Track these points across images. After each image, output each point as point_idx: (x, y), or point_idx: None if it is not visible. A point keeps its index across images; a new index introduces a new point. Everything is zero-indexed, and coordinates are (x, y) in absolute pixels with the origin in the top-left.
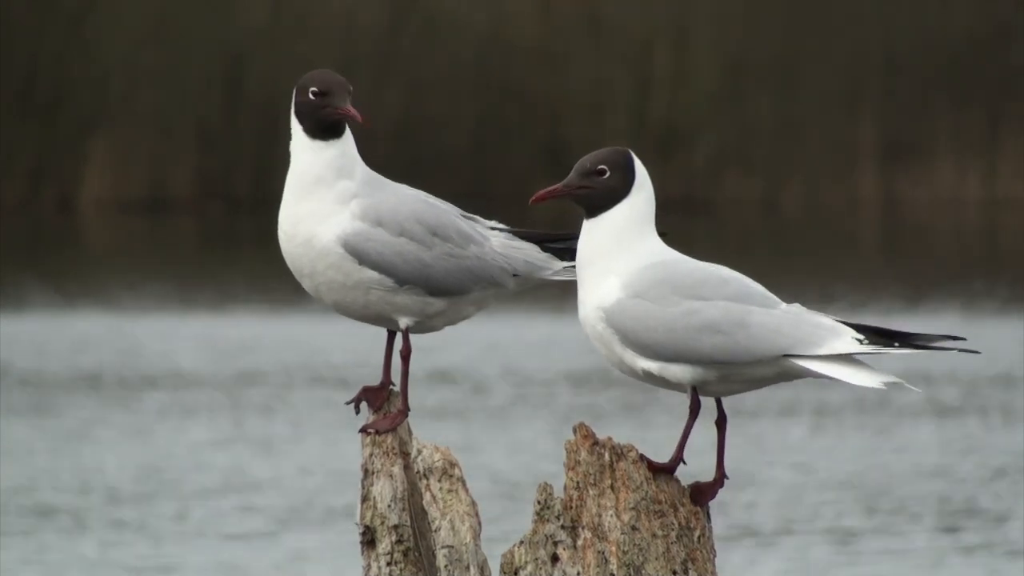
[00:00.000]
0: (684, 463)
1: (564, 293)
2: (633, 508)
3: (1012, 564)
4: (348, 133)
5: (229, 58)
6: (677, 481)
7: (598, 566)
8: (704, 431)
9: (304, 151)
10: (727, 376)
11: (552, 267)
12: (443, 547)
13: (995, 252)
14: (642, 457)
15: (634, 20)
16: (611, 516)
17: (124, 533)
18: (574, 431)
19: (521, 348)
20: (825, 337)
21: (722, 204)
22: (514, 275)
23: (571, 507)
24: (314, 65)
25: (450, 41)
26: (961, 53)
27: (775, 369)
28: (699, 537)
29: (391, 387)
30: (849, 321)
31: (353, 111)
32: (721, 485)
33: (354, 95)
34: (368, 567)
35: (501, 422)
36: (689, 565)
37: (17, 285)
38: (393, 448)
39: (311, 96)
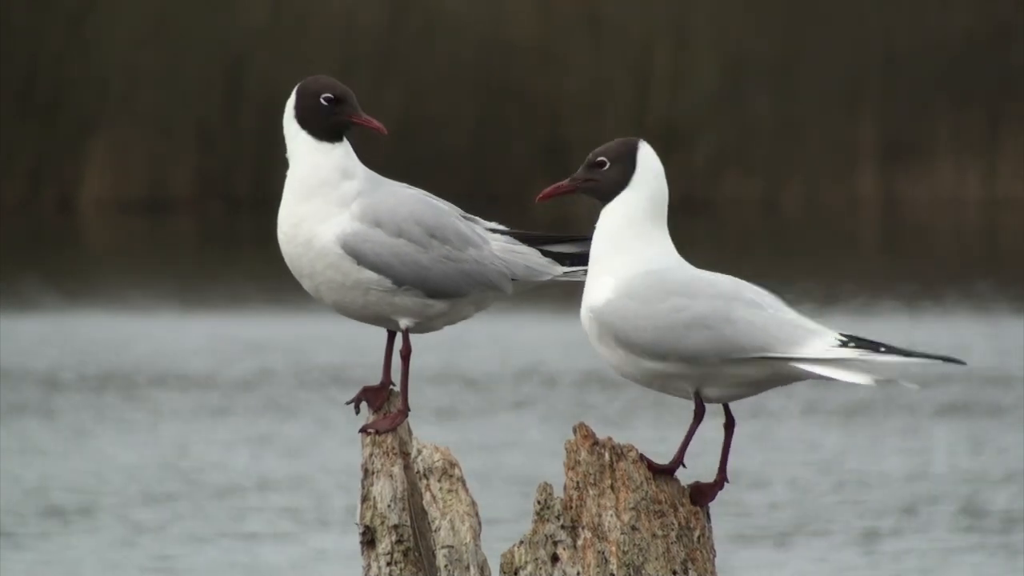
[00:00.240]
0: (684, 466)
1: (567, 295)
2: (633, 508)
3: None
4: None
5: (229, 58)
6: (677, 481)
7: (598, 566)
8: (712, 432)
9: (309, 153)
10: (722, 377)
11: (552, 272)
12: (443, 547)
13: (995, 252)
14: (642, 457)
15: (634, 20)
16: (611, 516)
17: (140, 534)
18: (574, 431)
19: (522, 348)
20: (808, 337)
21: (722, 204)
22: (513, 279)
23: (571, 507)
24: (314, 65)
25: (450, 41)
26: (961, 53)
27: (767, 370)
28: (699, 537)
29: (391, 387)
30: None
31: (376, 122)
32: (721, 487)
33: (356, 96)
34: (368, 567)
35: (501, 422)
36: (689, 565)
37: (18, 285)
38: (393, 448)
39: (323, 102)
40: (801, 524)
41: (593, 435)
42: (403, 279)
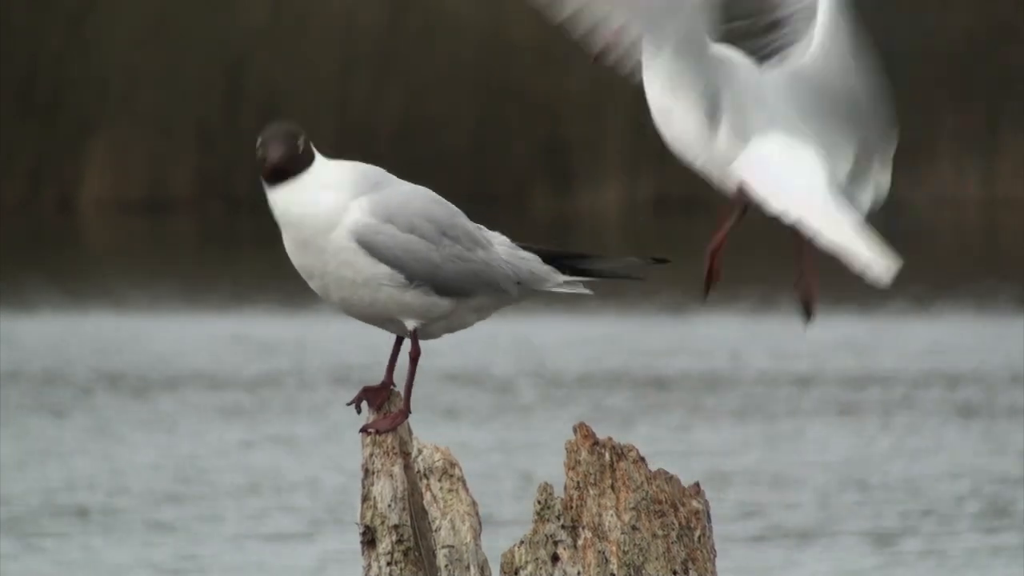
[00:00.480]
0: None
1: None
2: (633, 508)
3: None
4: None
5: (229, 58)
6: (677, 480)
7: (598, 566)
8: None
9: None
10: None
11: (554, 279)
12: (443, 547)
13: (995, 252)
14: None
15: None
16: (611, 516)
17: (156, 534)
18: (574, 431)
19: (522, 348)
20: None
21: (722, 204)
22: (518, 283)
23: (571, 507)
24: (314, 65)
25: (450, 41)
26: (961, 53)
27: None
28: (699, 537)
29: (392, 387)
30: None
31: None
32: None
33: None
34: (368, 567)
35: (502, 422)
36: (689, 565)
37: (21, 286)
38: (393, 448)
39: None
40: (819, 525)
41: (593, 435)
42: (415, 274)
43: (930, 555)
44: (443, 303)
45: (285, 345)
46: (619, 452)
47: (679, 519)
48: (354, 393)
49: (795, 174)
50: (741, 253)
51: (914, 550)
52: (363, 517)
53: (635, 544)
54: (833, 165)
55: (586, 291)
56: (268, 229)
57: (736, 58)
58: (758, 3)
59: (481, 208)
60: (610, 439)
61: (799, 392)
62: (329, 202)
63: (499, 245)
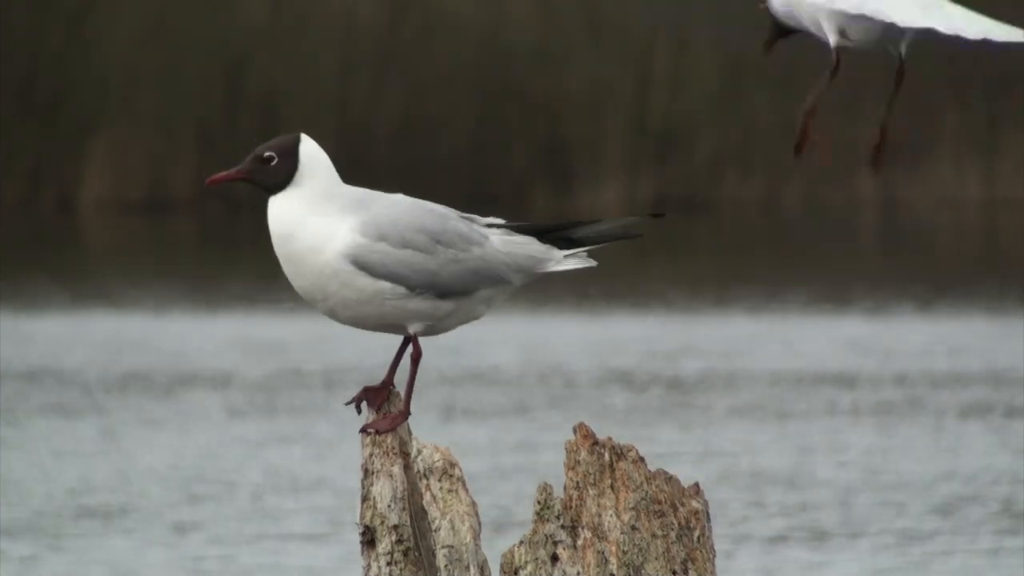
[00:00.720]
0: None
1: (569, 294)
2: (633, 508)
3: None
4: (304, 179)
5: (229, 58)
6: (677, 480)
7: (598, 566)
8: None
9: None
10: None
11: (553, 257)
12: (443, 547)
13: (995, 252)
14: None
15: (634, 20)
16: (611, 516)
17: (175, 535)
18: (574, 431)
19: (523, 348)
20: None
21: (722, 204)
22: (518, 271)
23: (571, 507)
24: (314, 65)
25: (450, 41)
26: (961, 53)
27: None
28: (699, 537)
29: (392, 388)
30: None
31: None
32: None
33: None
34: (368, 567)
35: (501, 422)
36: (689, 565)
37: (23, 286)
38: (393, 448)
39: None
40: (837, 525)
41: (593, 435)
42: (415, 284)
43: (950, 555)
44: (447, 304)
45: (293, 345)
46: (619, 452)
47: (679, 519)
48: (355, 392)
49: None
50: (742, 254)
51: (936, 550)
52: (363, 517)
53: (635, 544)
54: None
55: (589, 263)
56: (266, 231)
57: None
58: None
59: (481, 208)
60: (610, 439)
61: (812, 392)
62: (318, 225)
63: (495, 236)
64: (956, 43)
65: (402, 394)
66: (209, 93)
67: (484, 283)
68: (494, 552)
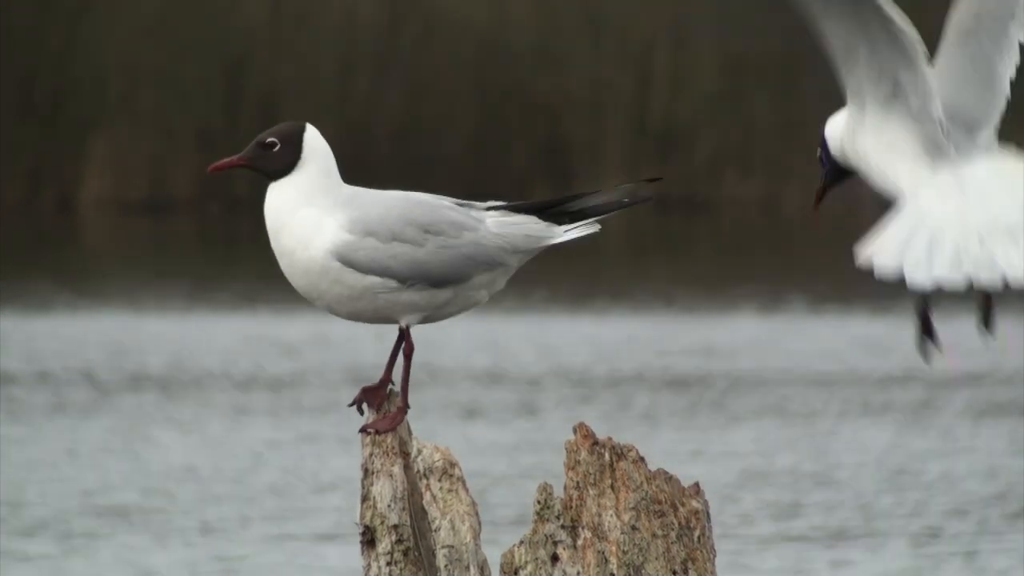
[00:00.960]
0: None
1: (568, 293)
2: (633, 508)
3: None
4: (304, 168)
5: (229, 58)
6: (677, 480)
7: (598, 566)
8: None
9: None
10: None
11: (553, 234)
12: (443, 547)
13: None
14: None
15: (634, 20)
16: (611, 516)
17: (192, 535)
18: (574, 431)
19: (524, 347)
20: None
21: (722, 204)
22: (514, 251)
23: (571, 507)
24: (314, 65)
25: (450, 41)
26: None
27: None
28: (699, 537)
29: (390, 386)
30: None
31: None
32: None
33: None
34: (368, 567)
35: (502, 423)
36: (689, 565)
37: (26, 286)
38: (393, 448)
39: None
40: (859, 525)
41: (593, 435)
42: (405, 276)
43: (969, 556)
44: (444, 293)
45: (301, 344)
46: (619, 452)
47: (679, 519)
48: (356, 394)
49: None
50: (743, 254)
51: (956, 550)
52: (363, 517)
53: (635, 544)
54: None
55: (593, 228)
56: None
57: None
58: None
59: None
60: (610, 439)
61: (826, 392)
62: (307, 219)
63: (491, 219)
64: None
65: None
66: (209, 93)
67: (479, 268)
68: (494, 552)
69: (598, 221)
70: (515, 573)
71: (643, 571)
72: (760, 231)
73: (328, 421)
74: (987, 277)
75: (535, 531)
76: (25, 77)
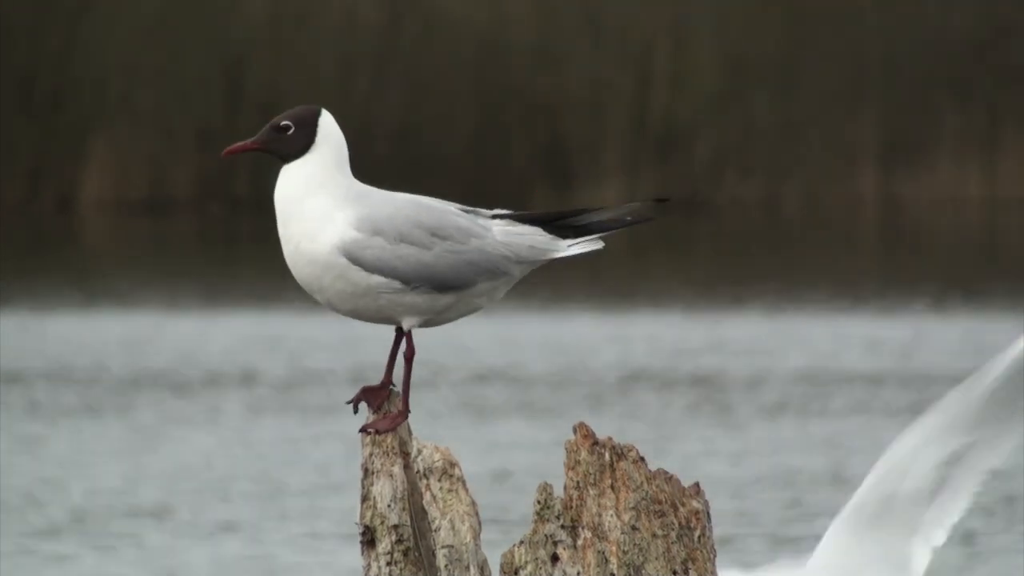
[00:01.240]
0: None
1: (570, 293)
2: (633, 508)
3: None
4: (317, 152)
5: (229, 58)
6: (677, 480)
7: (598, 566)
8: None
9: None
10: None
11: (557, 247)
12: (443, 547)
13: (995, 252)
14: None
15: (634, 20)
16: (611, 516)
17: (219, 532)
18: (574, 431)
19: (523, 347)
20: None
21: (722, 204)
22: (518, 261)
23: (571, 507)
24: (314, 65)
25: (450, 41)
26: (961, 53)
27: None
28: (699, 537)
29: (391, 387)
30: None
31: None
32: None
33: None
34: (368, 567)
35: (502, 422)
36: (689, 565)
37: (22, 286)
38: (393, 448)
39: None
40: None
41: (593, 435)
42: (410, 279)
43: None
44: (446, 298)
45: (304, 342)
46: (619, 452)
47: (679, 519)
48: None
49: None
50: (743, 254)
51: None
52: (363, 517)
53: (635, 544)
54: None
55: (597, 245)
56: (268, 229)
57: None
58: None
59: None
60: (610, 439)
61: (838, 391)
62: (316, 210)
63: (497, 227)
64: None
65: (400, 393)
66: (209, 93)
67: (483, 275)
68: (494, 552)
69: (601, 238)
70: (515, 573)
71: (643, 571)
72: (760, 231)
73: (340, 420)
74: None
75: (535, 531)
76: (25, 77)
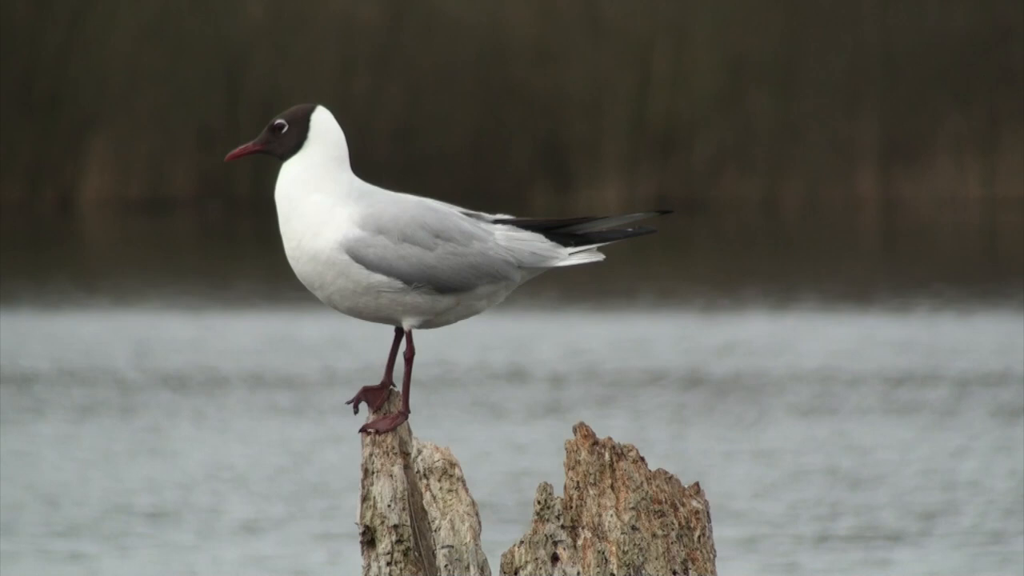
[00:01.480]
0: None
1: (571, 293)
2: (633, 508)
3: None
4: (310, 148)
5: (229, 58)
6: (677, 480)
7: (598, 566)
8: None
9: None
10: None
11: (558, 255)
12: (443, 547)
13: (995, 252)
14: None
15: (634, 20)
16: (611, 516)
17: (232, 534)
18: (574, 431)
19: (525, 348)
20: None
21: (722, 204)
22: (520, 267)
23: (571, 507)
24: (314, 65)
25: (450, 41)
26: (961, 53)
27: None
28: (699, 537)
29: (391, 388)
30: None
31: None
32: None
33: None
34: (368, 567)
35: (502, 422)
36: (689, 565)
37: (23, 285)
38: (393, 448)
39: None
40: (908, 525)
41: (593, 435)
42: (411, 278)
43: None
44: (446, 300)
45: (310, 341)
46: (619, 452)
47: (679, 519)
48: (353, 392)
49: None
50: (744, 254)
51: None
52: (362, 517)
53: (635, 544)
54: None
55: (597, 257)
56: (268, 229)
57: None
58: None
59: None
60: (610, 439)
61: (838, 391)
62: (319, 206)
63: (499, 232)
64: None
65: (401, 394)
66: (209, 93)
67: (484, 279)
68: (491, 553)
69: (601, 249)
70: (515, 573)
71: (643, 571)
72: (760, 231)
73: (341, 421)
74: None
75: (535, 531)
76: (25, 77)
